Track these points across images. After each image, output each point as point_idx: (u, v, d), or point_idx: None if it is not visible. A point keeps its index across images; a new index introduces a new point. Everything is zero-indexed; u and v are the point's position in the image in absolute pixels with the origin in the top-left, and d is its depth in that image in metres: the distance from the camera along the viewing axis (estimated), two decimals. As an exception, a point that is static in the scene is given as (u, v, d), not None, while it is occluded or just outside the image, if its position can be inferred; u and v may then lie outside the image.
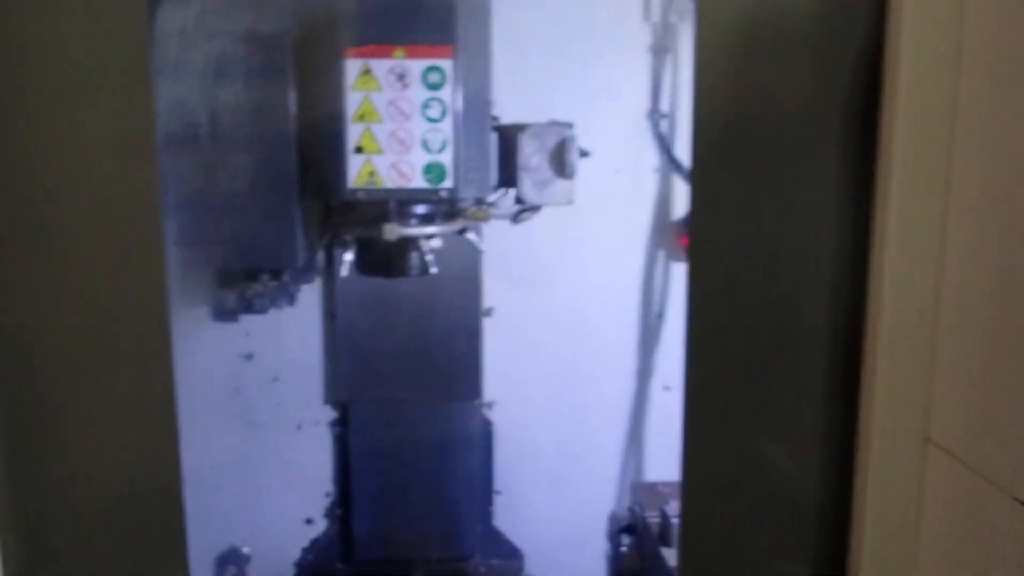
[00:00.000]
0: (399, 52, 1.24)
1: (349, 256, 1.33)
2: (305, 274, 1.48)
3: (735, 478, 0.88)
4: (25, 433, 0.89)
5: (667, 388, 1.62)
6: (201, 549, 1.47)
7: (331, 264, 1.48)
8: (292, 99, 1.27)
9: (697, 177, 0.85)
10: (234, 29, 1.25)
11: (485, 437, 1.67)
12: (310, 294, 1.57)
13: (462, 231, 1.39)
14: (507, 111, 1.44)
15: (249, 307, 1.29)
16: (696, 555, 0.90)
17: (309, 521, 1.63)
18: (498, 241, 1.55)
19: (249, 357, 1.59)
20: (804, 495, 0.89)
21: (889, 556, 0.84)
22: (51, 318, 0.86)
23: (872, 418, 0.84)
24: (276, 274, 1.37)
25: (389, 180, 1.25)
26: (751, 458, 0.89)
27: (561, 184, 1.37)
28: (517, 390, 1.68)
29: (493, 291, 1.62)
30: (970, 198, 0.77)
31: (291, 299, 1.44)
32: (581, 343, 1.67)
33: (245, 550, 1.41)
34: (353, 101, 1.24)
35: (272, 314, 1.53)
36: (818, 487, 0.89)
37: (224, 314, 1.31)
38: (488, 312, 1.61)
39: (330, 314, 1.57)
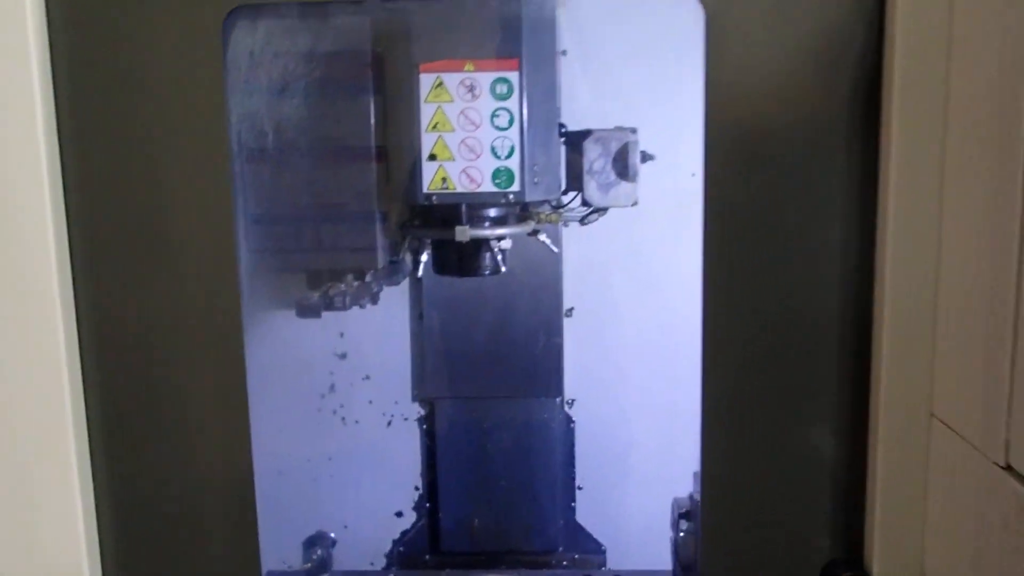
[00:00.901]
0: (469, 66, 1.32)
1: (425, 257, 1.41)
2: (391, 275, 1.57)
3: (753, 461, 0.93)
4: (119, 428, 1.00)
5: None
6: (297, 535, 1.58)
7: (417, 267, 1.57)
8: (372, 110, 1.36)
9: (710, 179, 0.91)
10: (319, 48, 1.36)
11: (567, 434, 1.72)
12: (399, 296, 1.66)
13: (534, 233, 1.45)
14: (586, 118, 1.50)
15: (330, 304, 1.39)
16: (717, 538, 0.94)
17: (399, 514, 1.71)
18: (579, 243, 1.61)
19: (343, 356, 1.69)
20: (822, 476, 0.93)
21: (899, 527, 0.88)
22: (137, 321, 0.97)
23: (880, 396, 0.88)
24: (359, 275, 1.47)
25: (460, 185, 1.33)
26: (768, 442, 0.93)
27: (625, 187, 1.43)
28: (597, 388, 1.73)
29: (574, 292, 1.68)
30: (961, 189, 0.81)
31: (374, 299, 1.53)
32: (661, 342, 1.70)
33: (332, 535, 1.50)
34: (427, 112, 1.33)
35: (364, 316, 1.64)
36: (834, 468, 0.93)
37: (307, 311, 1.41)
38: (569, 312, 1.67)
39: (418, 315, 1.66)
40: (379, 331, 1.69)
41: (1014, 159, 0.73)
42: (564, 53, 1.55)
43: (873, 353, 0.90)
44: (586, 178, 1.44)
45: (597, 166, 1.44)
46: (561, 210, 1.49)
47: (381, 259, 1.44)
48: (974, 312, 0.80)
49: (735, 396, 0.93)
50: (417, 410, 1.72)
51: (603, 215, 1.51)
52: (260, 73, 1.36)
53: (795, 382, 0.93)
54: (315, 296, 1.41)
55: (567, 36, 1.54)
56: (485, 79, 1.34)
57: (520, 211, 1.43)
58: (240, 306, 0.96)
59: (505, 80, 1.34)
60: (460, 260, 1.43)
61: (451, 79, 1.34)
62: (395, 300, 1.66)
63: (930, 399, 0.87)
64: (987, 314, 0.78)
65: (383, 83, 1.39)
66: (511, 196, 1.35)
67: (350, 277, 1.46)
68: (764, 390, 0.93)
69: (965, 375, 0.82)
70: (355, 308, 1.58)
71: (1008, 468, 0.75)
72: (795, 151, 0.91)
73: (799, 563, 0.96)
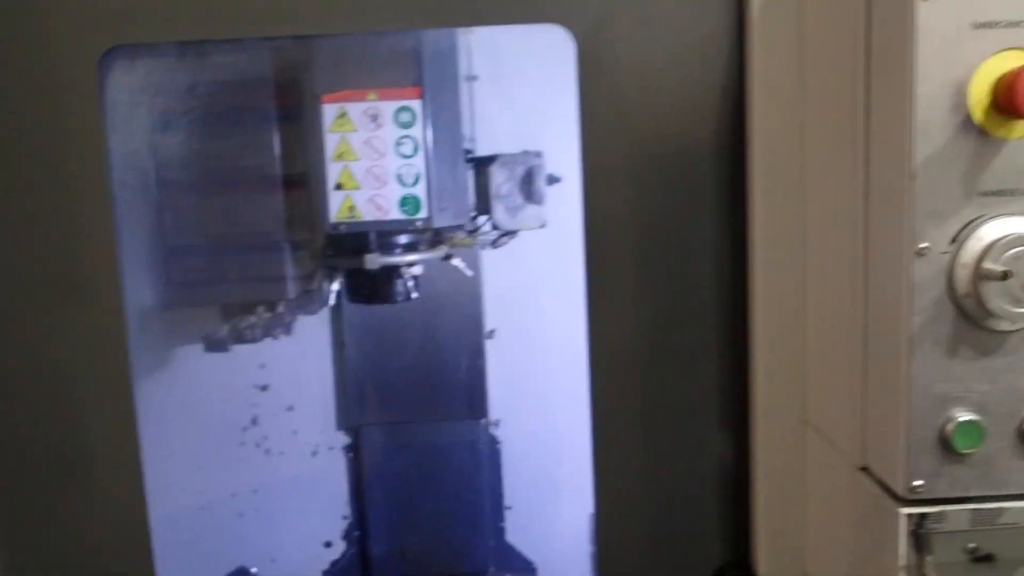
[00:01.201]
0: (371, 95, 1.34)
1: (336, 286, 1.42)
2: (307, 305, 1.58)
3: (642, 471, 0.96)
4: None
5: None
6: (219, 572, 1.57)
7: (349, 292, 1.57)
8: (276, 141, 1.37)
9: (588, 202, 0.94)
10: (221, 78, 1.38)
11: (493, 455, 1.72)
12: (320, 325, 1.67)
13: (447, 257, 1.47)
14: (501, 142, 1.53)
15: (240, 338, 1.40)
16: (610, 547, 0.97)
17: (328, 544, 1.70)
18: (498, 265, 1.63)
19: (264, 388, 1.68)
20: (710, 483, 0.96)
21: (782, 530, 0.91)
22: (21, 368, 0.97)
23: (757, 405, 0.91)
24: (271, 306, 1.47)
25: (368, 213, 1.35)
26: (655, 453, 0.96)
27: (532, 209, 1.46)
28: (522, 408, 1.74)
29: (495, 313, 1.70)
30: (819, 214, 0.85)
31: (288, 329, 1.53)
32: (583, 359, 1.72)
33: (253, 570, 1.50)
34: (331, 142, 1.34)
35: (285, 347, 1.63)
36: (721, 475, 0.96)
37: (215, 345, 1.41)
38: (490, 334, 1.68)
39: (339, 343, 1.66)
40: (300, 361, 1.69)
41: (859, 182, 0.77)
42: (475, 78, 1.57)
43: (749, 364, 0.93)
44: (493, 202, 1.46)
45: (504, 190, 1.46)
46: (475, 233, 1.50)
47: (291, 289, 1.45)
48: (832, 326, 0.84)
49: (620, 409, 0.96)
50: (342, 438, 1.71)
51: (513, 238, 1.53)
52: (166, 105, 1.36)
53: (678, 394, 0.96)
54: (224, 330, 1.41)
55: (478, 61, 1.56)
56: (388, 108, 1.36)
57: (433, 236, 1.44)
58: (127, 349, 0.97)
59: (408, 108, 1.36)
60: (372, 288, 1.44)
61: (354, 109, 1.36)
62: (315, 329, 1.66)
63: (803, 406, 0.90)
64: (842, 328, 0.81)
65: (287, 112, 1.40)
66: (419, 223, 1.37)
67: (261, 308, 1.46)
68: (648, 402, 0.96)
69: (828, 383, 0.86)
70: (276, 338, 1.58)
71: (864, 469, 0.79)
72: (668, 172, 0.94)
73: (691, 569, 0.98)
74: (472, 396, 1.70)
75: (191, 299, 1.48)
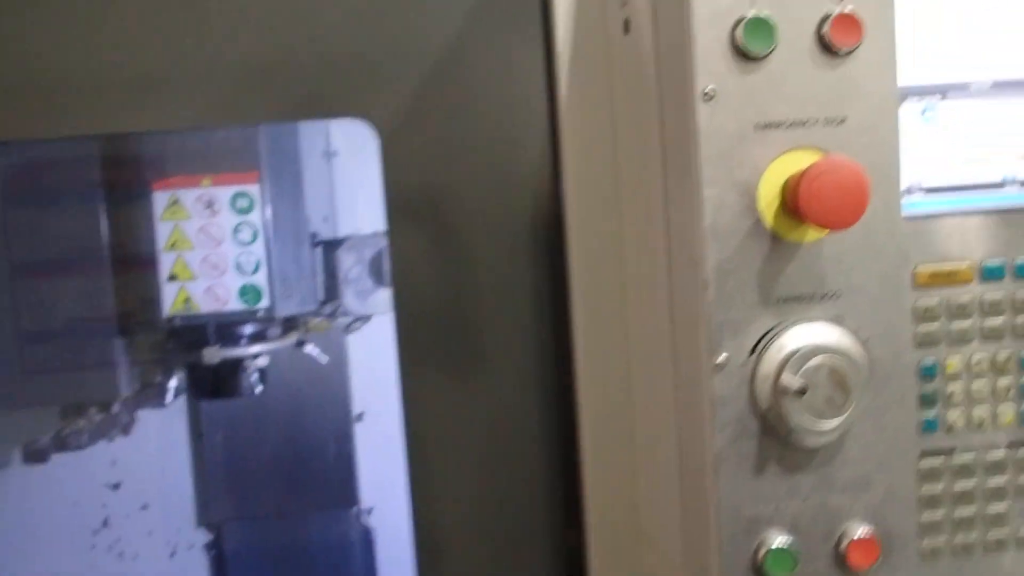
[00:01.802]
0: (206, 181, 1.28)
1: (174, 382, 1.34)
2: (148, 400, 1.49)
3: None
4: None
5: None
6: None
7: (191, 387, 1.50)
8: (104, 231, 1.30)
9: (398, 294, 0.89)
10: (48, 164, 1.30)
11: (366, 544, 1.65)
12: (176, 417, 1.58)
13: (300, 344, 1.40)
14: (363, 221, 1.47)
15: (64, 445, 1.30)
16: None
17: (194, 649, 1.61)
18: (364, 347, 1.56)
19: (116, 487, 1.58)
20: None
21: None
22: None
23: (591, 518, 0.87)
24: (103, 406, 1.38)
25: (205, 305, 1.28)
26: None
27: (383, 292, 1.40)
28: (395, 493, 1.67)
29: (363, 396, 1.63)
30: (637, 332, 0.81)
31: (125, 430, 1.44)
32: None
33: None
34: (163, 231, 1.27)
35: (138, 442, 1.54)
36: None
37: (34, 456, 1.31)
38: (359, 417, 1.62)
39: (197, 435, 1.57)
40: (156, 456, 1.60)
41: (665, 291, 0.73)
42: (335, 154, 1.52)
43: (580, 477, 0.89)
44: (343, 287, 1.41)
45: (353, 274, 1.41)
46: (333, 317, 1.45)
47: (124, 386, 1.36)
48: (655, 441, 0.80)
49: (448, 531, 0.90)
50: (203, 536, 1.62)
51: (366, 322, 1.47)
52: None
53: (508, 505, 0.91)
54: (45, 436, 1.31)
55: (337, 135, 1.50)
56: (224, 194, 1.30)
57: (285, 323, 1.38)
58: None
59: (245, 194, 1.30)
60: (214, 382, 1.37)
61: (187, 195, 1.30)
62: (170, 420, 1.58)
63: (638, 519, 0.86)
64: (662, 444, 0.77)
65: (118, 198, 1.33)
66: (260, 312, 1.30)
67: (93, 410, 1.36)
68: (476, 520, 0.91)
69: (656, 501, 0.81)
70: (111, 440, 1.50)
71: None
72: (483, 265, 0.90)
73: None
74: (342, 484, 1.63)
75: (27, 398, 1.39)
